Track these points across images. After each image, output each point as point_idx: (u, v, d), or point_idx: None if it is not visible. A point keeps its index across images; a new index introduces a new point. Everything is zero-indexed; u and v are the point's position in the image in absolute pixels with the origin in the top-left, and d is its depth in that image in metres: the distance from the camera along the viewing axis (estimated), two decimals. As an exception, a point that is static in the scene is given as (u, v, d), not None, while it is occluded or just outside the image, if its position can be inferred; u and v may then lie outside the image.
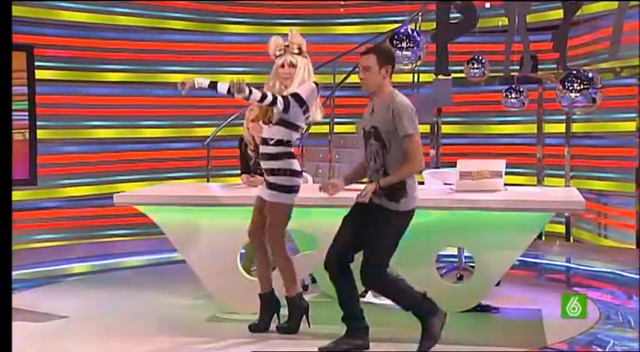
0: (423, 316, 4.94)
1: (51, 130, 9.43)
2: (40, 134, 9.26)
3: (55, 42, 9.39)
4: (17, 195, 8.79)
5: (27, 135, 9.13)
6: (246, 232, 5.48)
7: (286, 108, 5.14)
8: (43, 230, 9.33)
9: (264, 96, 5.08)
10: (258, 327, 5.44)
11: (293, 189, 5.29)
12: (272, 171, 5.27)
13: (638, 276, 7.40)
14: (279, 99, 5.12)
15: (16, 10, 8.46)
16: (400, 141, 4.85)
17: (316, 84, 5.33)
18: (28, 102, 9.12)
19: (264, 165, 5.30)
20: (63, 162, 9.54)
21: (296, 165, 5.31)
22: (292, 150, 5.33)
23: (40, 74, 9.22)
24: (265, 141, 5.30)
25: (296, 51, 5.29)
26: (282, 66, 5.28)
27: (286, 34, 5.38)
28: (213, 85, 5.17)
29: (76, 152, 9.65)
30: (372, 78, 4.94)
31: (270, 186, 5.28)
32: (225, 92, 5.16)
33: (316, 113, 5.37)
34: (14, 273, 7.16)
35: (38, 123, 9.23)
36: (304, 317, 5.42)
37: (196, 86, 5.18)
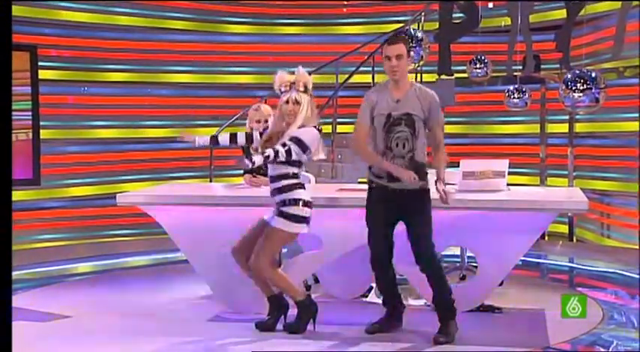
0: (446, 314, 5.20)
1: (54, 130, 9.45)
2: (44, 134, 9.27)
3: (57, 42, 9.40)
4: (20, 194, 8.81)
5: (30, 135, 9.14)
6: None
7: (289, 156, 5.19)
8: (45, 230, 9.34)
9: (267, 157, 5.13)
10: (266, 325, 5.41)
11: (305, 220, 5.28)
12: (284, 203, 5.26)
13: (640, 276, 7.39)
14: (281, 151, 5.16)
15: (17, 10, 8.47)
16: (430, 126, 5.16)
17: (319, 130, 5.34)
18: (31, 102, 9.14)
19: (277, 199, 5.30)
20: (66, 162, 9.55)
21: (306, 195, 5.30)
22: (300, 181, 5.34)
23: (42, 74, 9.23)
24: (273, 179, 5.32)
25: (302, 88, 5.31)
26: (287, 102, 5.30)
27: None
28: (214, 139, 5.58)
29: (78, 152, 9.67)
30: (404, 66, 5.15)
31: (282, 215, 5.25)
32: (228, 142, 5.57)
33: (318, 153, 5.37)
34: (17, 273, 7.23)
35: (41, 123, 9.24)
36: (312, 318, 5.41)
37: (196, 145, 5.61)
